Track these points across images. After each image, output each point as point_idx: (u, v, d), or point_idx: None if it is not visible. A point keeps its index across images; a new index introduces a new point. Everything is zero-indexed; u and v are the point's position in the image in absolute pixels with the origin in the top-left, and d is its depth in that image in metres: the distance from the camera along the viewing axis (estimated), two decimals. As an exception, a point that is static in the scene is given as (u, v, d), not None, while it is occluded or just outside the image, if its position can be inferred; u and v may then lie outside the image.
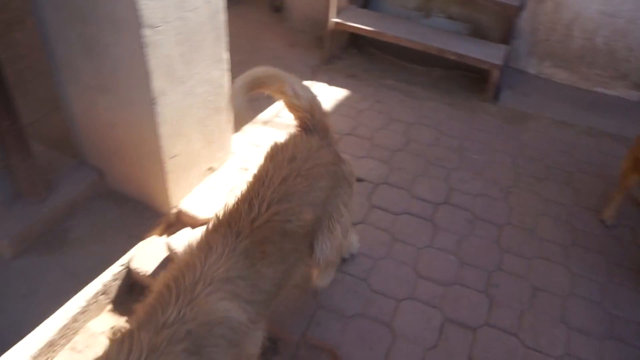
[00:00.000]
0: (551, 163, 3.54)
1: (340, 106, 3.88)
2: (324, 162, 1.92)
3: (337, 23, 4.29)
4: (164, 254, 2.54)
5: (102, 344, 2.17)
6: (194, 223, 2.69)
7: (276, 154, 1.90)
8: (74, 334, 2.30)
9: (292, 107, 2.01)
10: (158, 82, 2.26)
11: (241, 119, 3.36)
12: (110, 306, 2.44)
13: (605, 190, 3.27)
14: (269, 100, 3.51)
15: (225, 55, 2.66)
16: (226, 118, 2.82)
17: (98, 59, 2.32)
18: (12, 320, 2.18)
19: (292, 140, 1.97)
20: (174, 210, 2.73)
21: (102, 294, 2.39)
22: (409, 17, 4.64)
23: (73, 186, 2.68)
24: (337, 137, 2.17)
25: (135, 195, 2.75)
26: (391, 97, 4.07)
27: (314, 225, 1.90)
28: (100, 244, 2.51)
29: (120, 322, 2.37)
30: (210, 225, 1.74)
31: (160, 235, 2.67)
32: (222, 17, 2.54)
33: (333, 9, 4.24)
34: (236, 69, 2.40)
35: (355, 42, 4.71)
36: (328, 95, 3.99)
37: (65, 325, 2.23)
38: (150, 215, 2.69)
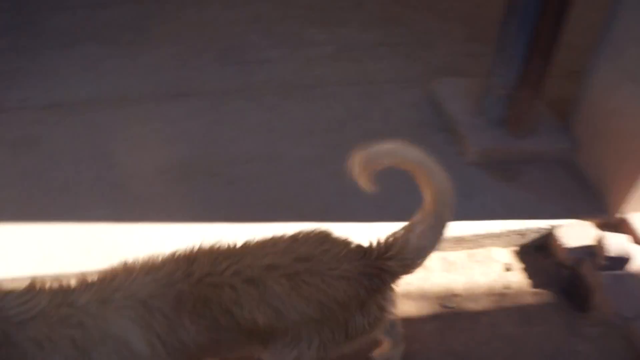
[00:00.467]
0: None
1: None
2: (338, 295, 1.56)
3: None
4: (588, 241, 2.58)
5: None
6: (630, 235, 2.65)
7: (298, 239, 1.63)
8: (473, 247, 2.69)
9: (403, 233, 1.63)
10: None
11: None
12: (513, 248, 2.70)
13: None
14: None
15: None
16: None
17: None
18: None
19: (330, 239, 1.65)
20: (618, 216, 2.69)
21: (516, 234, 2.67)
22: None
23: (547, 141, 2.98)
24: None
25: (594, 181, 2.86)
26: None
27: (266, 331, 1.59)
28: (540, 200, 2.79)
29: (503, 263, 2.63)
30: (181, 250, 1.60)
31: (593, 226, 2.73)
32: None
33: None
34: None
35: None
36: None
37: (476, 235, 2.64)
38: (596, 205, 2.78)
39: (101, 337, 1.47)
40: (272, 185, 2.85)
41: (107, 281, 1.52)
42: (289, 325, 1.60)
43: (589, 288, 2.45)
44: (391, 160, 1.48)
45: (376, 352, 2.12)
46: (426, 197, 1.53)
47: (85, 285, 1.52)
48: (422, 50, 3.99)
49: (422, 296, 2.48)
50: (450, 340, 2.31)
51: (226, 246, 1.62)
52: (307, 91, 3.57)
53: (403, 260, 1.59)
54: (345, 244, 1.65)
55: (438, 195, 1.50)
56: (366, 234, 1.75)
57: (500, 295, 2.52)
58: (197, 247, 1.61)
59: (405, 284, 2.36)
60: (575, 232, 2.65)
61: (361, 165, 1.46)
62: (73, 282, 1.55)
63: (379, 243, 1.64)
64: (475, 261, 2.67)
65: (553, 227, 2.68)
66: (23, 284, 1.50)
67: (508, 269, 2.65)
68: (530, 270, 2.64)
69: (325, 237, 1.65)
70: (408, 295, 2.46)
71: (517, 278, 2.60)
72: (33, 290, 1.47)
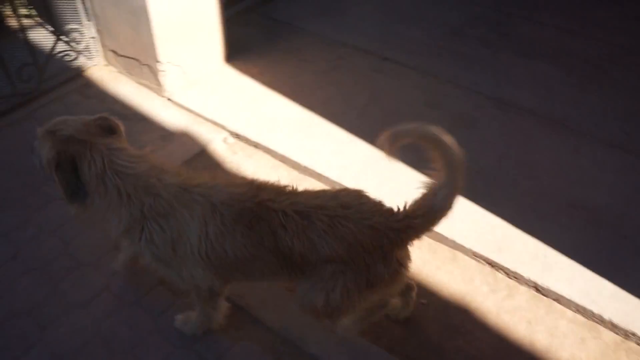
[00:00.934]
0: None
1: None
2: (366, 241, 1.85)
3: None
4: None
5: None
6: None
7: (342, 192, 1.97)
8: None
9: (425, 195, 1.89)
10: None
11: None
12: None
13: None
14: None
15: None
16: None
17: None
18: None
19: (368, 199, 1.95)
20: None
21: None
22: None
23: None
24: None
25: None
26: None
27: (298, 260, 1.88)
28: None
29: None
30: (259, 179, 1.98)
31: None
32: None
33: None
34: None
35: None
36: None
37: None
38: None
39: (166, 213, 1.83)
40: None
41: (195, 179, 1.91)
42: (319, 260, 1.88)
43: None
44: (413, 138, 1.78)
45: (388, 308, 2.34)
46: (444, 167, 1.80)
47: (179, 173, 1.91)
48: None
49: None
50: None
51: (290, 187, 1.98)
52: None
53: (427, 218, 1.86)
54: (379, 203, 1.95)
55: (454, 165, 1.77)
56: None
57: None
58: (270, 181, 1.99)
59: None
60: None
61: (389, 141, 1.76)
62: (172, 167, 1.94)
63: (405, 205, 1.91)
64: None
65: None
66: (140, 150, 1.96)
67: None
68: None
69: (363, 195, 1.95)
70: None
71: None
72: (143, 157, 1.90)
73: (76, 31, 3.92)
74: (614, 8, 5.04)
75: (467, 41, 4.53)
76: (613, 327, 2.55)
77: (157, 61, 3.62)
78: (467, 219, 2.96)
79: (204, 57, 3.90)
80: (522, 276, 2.74)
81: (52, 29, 4.08)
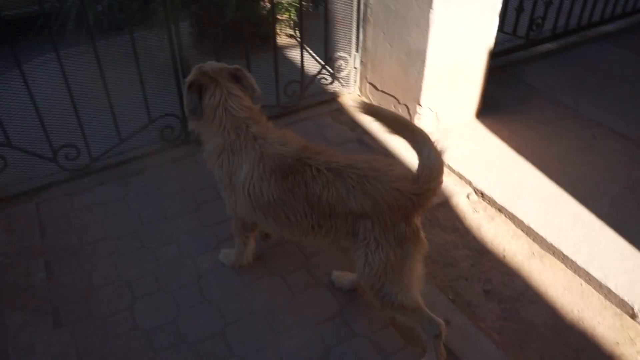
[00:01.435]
0: None
1: None
2: (391, 200, 2.13)
3: None
4: None
5: None
6: None
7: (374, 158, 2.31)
8: None
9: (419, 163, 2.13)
10: None
11: None
12: None
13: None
14: None
15: None
16: None
17: None
18: None
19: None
20: None
21: None
22: None
23: None
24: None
25: None
26: None
27: (325, 211, 2.23)
28: None
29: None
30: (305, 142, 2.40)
31: None
32: None
33: None
34: None
35: None
36: None
37: None
38: None
39: (235, 151, 2.35)
40: None
41: (267, 133, 2.36)
42: (348, 213, 2.18)
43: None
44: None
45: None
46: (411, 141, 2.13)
47: (264, 126, 2.41)
48: None
49: None
50: None
51: (331, 151, 2.33)
52: None
53: (435, 177, 2.11)
54: (404, 171, 2.22)
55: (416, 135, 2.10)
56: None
57: None
58: (319, 145, 2.37)
59: None
60: None
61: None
62: (265, 121, 2.45)
63: (419, 172, 2.12)
64: None
65: None
66: (249, 103, 2.48)
67: None
68: None
69: (392, 163, 2.26)
70: None
71: None
72: (249, 108, 2.43)
73: (342, 59, 4.25)
74: None
75: None
76: None
77: (418, 104, 3.79)
78: None
79: (460, 108, 4.00)
80: None
81: (310, 50, 4.47)
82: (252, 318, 2.73)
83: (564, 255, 3.16)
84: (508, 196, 3.49)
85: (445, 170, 3.74)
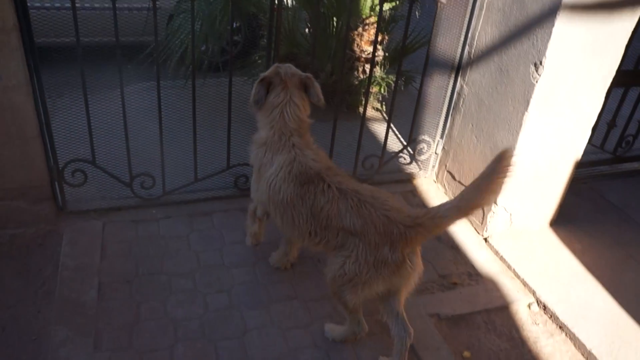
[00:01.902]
0: None
1: None
2: (378, 224, 2.46)
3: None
4: None
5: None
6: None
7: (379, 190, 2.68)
8: None
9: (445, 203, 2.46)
10: None
11: None
12: None
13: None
14: None
15: None
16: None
17: None
18: None
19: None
20: None
21: None
22: None
23: None
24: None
25: None
26: None
27: (323, 223, 2.58)
28: None
29: None
30: (331, 164, 2.77)
31: None
32: None
33: None
34: None
35: None
36: None
37: None
38: None
39: (272, 150, 2.71)
40: None
41: (305, 147, 2.70)
42: (340, 228, 2.51)
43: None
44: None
45: None
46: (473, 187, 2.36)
47: (304, 140, 2.74)
48: None
49: None
50: None
51: (348, 176, 2.69)
52: None
53: (432, 222, 2.40)
54: (402, 206, 2.56)
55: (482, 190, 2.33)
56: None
57: None
58: (338, 168, 2.75)
59: None
60: None
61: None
62: (307, 137, 2.77)
63: (429, 209, 2.46)
64: None
65: None
66: (304, 115, 2.80)
67: None
68: None
69: (392, 196, 2.57)
70: None
71: None
72: (301, 120, 2.76)
73: (425, 142, 4.30)
74: None
75: None
76: None
77: (494, 202, 3.75)
78: None
79: (535, 213, 3.92)
80: None
81: (394, 128, 4.54)
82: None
83: (625, 392, 2.95)
84: (572, 314, 3.35)
85: (510, 274, 3.68)
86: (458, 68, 3.94)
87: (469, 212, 2.41)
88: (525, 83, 3.37)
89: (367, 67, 5.08)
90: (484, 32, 3.69)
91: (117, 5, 3.06)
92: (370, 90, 5.10)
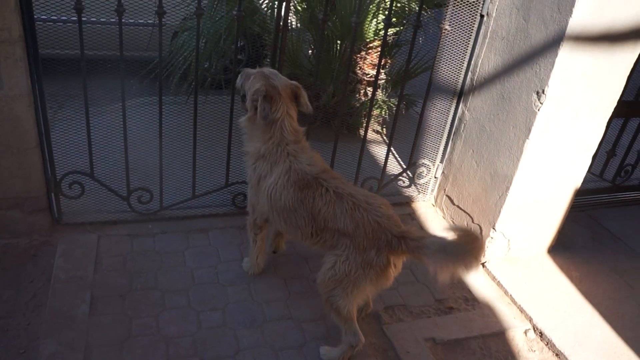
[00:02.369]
0: None
1: None
2: (368, 229, 2.63)
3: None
4: None
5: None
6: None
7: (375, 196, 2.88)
8: None
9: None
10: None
11: None
12: None
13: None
14: None
15: None
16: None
17: None
18: None
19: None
20: None
21: None
22: None
23: None
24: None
25: None
26: None
27: (320, 224, 2.74)
28: None
29: None
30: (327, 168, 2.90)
31: None
32: None
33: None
34: None
35: None
36: None
37: None
38: None
39: (270, 161, 2.83)
40: None
41: (301, 154, 2.82)
42: (335, 230, 2.67)
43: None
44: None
45: None
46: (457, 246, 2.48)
47: (301, 146, 2.86)
48: None
49: None
50: None
51: (344, 180, 2.84)
52: None
53: (416, 250, 2.55)
54: (395, 215, 2.73)
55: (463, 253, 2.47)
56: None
57: None
58: (334, 172, 2.91)
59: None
60: None
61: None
62: (305, 146, 2.91)
63: (409, 227, 2.67)
64: None
65: None
66: (298, 127, 2.91)
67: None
68: None
69: (387, 205, 2.76)
70: None
71: None
72: (297, 131, 2.90)
73: (424, 166, 4.31)
74: None
75: None
76: None
77: (492, 227, 3.75)
78: None
79: (534, 239, 3.92)
80: None
81: (393, 151, 4.56)
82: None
83: None
84: (569, 343, 3.33)
85: (507, 300, 3.66)
86: (460, 94, 3.97)
87: (451, 263, 2.48)
88: (527, 111, 3.40)
89: (369, 89, 5.12)
90: (487, 59, 3.73)
91: (122, 20, 3.08)
92: (372, 112, 5.12)
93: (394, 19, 4.82)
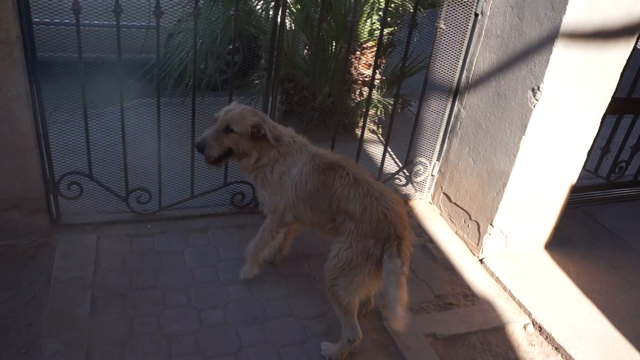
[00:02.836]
0: None
1: None
2: (374, 217, 2.71)
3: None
4: None
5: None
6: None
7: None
8: None
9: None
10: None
11: None
12: None
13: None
14: None
15: None
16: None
17: None
18: None
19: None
20: None
21: None
22: None
23: None
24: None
25: None
26: None
27: (333, 208, 2.85)
28: None
29: None
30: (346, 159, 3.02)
31: None
32: None
33: None
34: None
35: None
36: None
37: None
38: None
39: (289, 155, 2.98)
40: None
41: (308, 145, 3.03)
42: (344, 211, 2.77)
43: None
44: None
45: None
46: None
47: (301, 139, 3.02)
48: None
49: None
50: None
51: (364, 169, 2.99)
52: None
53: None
54: (405, 212, 2.81)
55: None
56: None
57: None
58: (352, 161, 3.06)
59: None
60: None
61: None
62: (296, 134, 3.09)
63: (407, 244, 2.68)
64: None
65: None
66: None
67: None
68: None
69: (400, 200, 2.85)
70: None
71: None
72: (287, 131, 3.07)
73: (421, 164, 4.35)
74: None
75: None
76: None
77: (490, 224, 3.79)
78: None
79: (531, 235, 3.96)
80: None
81: (389, 150, 4.60)
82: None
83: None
84: (567, 336, 3.37)
85: (506, 295, 3.70)
86: (456, 92, 4.02)
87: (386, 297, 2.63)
88: (523, 108, 3.44)
89: (364, 89, 5.16)
90: (482, 57, 3.78)
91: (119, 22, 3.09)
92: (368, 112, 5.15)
93: (388, 19, 4.85)
